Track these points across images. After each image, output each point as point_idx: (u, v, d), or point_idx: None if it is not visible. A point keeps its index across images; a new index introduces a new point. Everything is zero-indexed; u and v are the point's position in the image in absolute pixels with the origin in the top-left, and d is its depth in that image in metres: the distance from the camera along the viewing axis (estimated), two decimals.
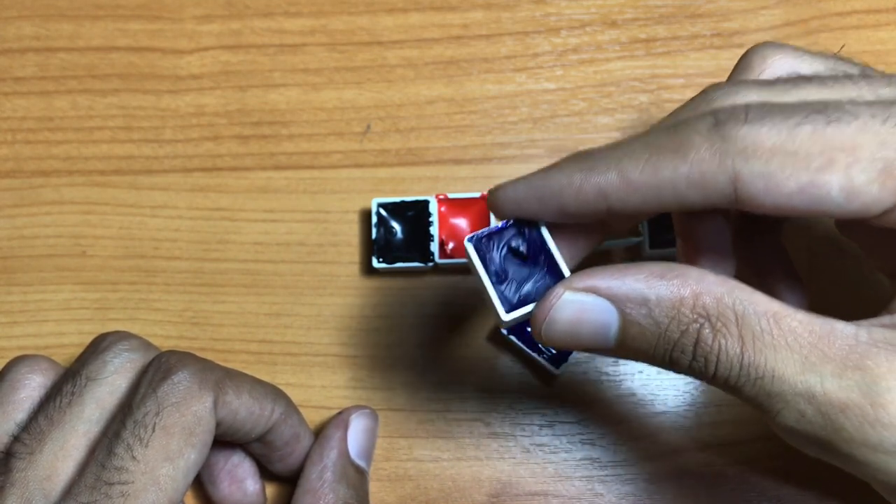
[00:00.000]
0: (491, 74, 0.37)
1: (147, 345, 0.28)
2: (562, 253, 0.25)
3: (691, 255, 0.27)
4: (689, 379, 0.33)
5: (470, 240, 0.25)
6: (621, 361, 0.33)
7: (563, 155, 0.24)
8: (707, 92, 0.23)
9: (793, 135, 0.21)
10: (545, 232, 0.25)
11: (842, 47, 0.35)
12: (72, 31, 0.38)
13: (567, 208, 0.23)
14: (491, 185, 0.34)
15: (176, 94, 0.37)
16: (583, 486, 0.32)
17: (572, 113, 0.36)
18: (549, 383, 0.33)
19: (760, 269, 0.29)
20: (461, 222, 0.34)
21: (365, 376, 0.34)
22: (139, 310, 0.35)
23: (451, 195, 0.33)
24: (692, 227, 0.27)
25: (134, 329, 0.32)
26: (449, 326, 0.34)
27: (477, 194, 0.33)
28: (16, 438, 0.26)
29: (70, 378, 0.27)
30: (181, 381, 0.26)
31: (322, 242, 0.35)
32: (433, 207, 0.33)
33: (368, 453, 0.31)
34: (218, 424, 0.26)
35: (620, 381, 0.33)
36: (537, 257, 0.25)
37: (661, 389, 0.33)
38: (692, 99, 0.24)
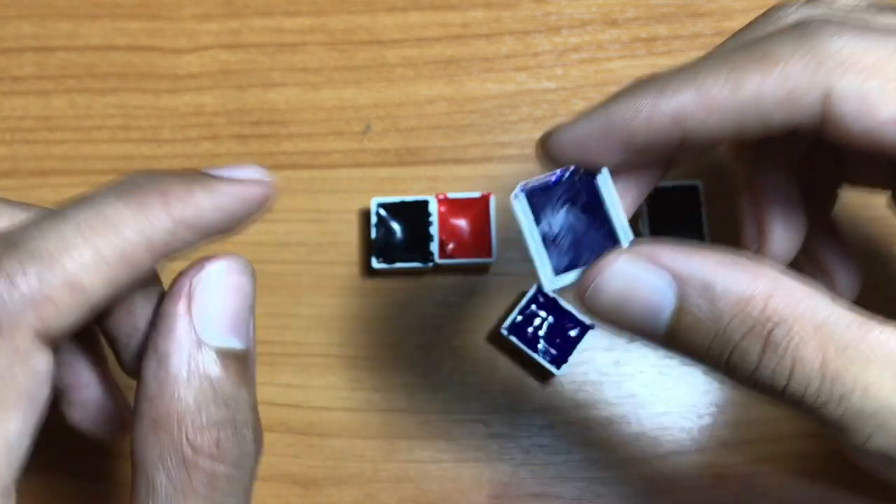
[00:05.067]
0: (491, 74, 0.37)
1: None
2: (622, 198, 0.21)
3: (759, 211, 0.24)
4: (688, 380, 0.33)
5: (521, 191, 0.21)
6: (622, 362, 0.33)
7: (632, 142, 0.20)
8: (772, 11, 0.21)
9: (893, 57, 0.18)
10: (608, 181, 0.21)
11: None
12: (70, 30, 0.38)
13: (636, 142, 0.20)
14: (491, 186, 0.34)
15: (175, 94, 0.37)
16: (583, 487, 0.32)
17: (573, 112, 0.36)
18: (549, 384, 0.33)
19: (809, 244, 0.25)
20: (461, 222, 0.34)
21: (365, 376, 0.33)
22: None
23: (450, 195, 0.33)
24: (761, 181, 0.24)
25: None
26: (449, 327, 0.34)
27: (477, 194, 0.33)
28: None
29: None
30: None
31: (322, 242, 0.35)
32: (433, 207, 0.33)
33: (237, 323, 0.20)
34: (60, 337, 0.18)
35: (621, 382, 0.33)
36: (594, 214, 0.21)
37: (661, 391, 0.33)
38: (754, 20, 0.21)
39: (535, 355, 0.32)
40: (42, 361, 0.18)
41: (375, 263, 0.33)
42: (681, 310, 0.19)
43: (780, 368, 0.19)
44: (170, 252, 0.20)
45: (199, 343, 0.19)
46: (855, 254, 0.26)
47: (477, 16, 0.37)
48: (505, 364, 0.33)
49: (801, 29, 0.19)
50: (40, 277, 0.17)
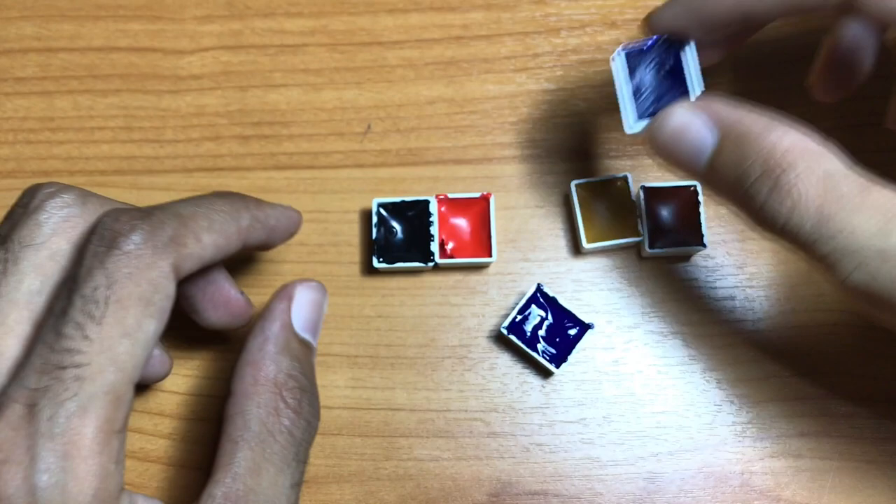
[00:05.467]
0: (491, 75, 0.37)
1: (83, 196, 0.25)
2: (707, 52, 0.28)
3: (832, 55, 0.29)
4: (687, 379, 0.33)
5: (621, 50, 0.27)
6: (620, 361, 0.33)
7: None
8: None
9: None
10: (692, 50, 0.27)
11: None
12: (73, 31, 0.38)
13: (710, 17, 0.27)
14: (491, 186, 0.35)
15: (177, 95, 0.37)
16: (582, 486, 0.32)
17: (572, 113, 0.36)
18: (548, 383, 0.33)
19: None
20: (461, 222, 0.34)
21: (365, 376, 0.34)
22: None
23: (451, 195, 0.34)
24: (841, 29, 0.28)
25: None
26: (449, 326, 0.34)
27: (477, 194, 0.33)
28: None
29: (1, 245, 0.24)
30: (132, 250, 0.22)
31: (322, 242, 0.35)
32: (433, 207, 0.33)
33: (314, 327, 0.29)
34: (183, 274, 0.24)
35: (620, 380, 0.33)
36: (676, 78, 0.28)
37: (660, 390, 0.33)
38: None
39: (534, 354, 0.32)
40: (172, 287, 0.24)
41: (376, 263, 0.33)
42: (719, 148, 0.25)
43: (781, 208, 0.23)
44: (247, 240, 0.27)
45: (293, 330, 0.27)
46: None
47: (477, 17, 0.37)
48: (505, 363, 0.34)
49: None
50: (177, 229, 0.24)
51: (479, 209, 0.34)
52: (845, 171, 0.23)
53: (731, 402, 0.33)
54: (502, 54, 0.37)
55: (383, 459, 0.33)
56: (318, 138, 0.36)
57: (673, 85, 0.28)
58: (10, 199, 0.36)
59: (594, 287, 0.34)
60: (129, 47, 0.38)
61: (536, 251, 0.34)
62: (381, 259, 0.33)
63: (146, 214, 0.24)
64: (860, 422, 0.32)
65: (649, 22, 0.28)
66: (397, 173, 0.36)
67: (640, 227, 0.33)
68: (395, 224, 0.33)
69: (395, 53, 0.37)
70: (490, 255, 0.33)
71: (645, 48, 0.27)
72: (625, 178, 0.33)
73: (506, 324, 0.32)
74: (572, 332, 0.32)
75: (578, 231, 0.33)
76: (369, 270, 0.34)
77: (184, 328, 0.31)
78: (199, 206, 0.25)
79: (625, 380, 0.33)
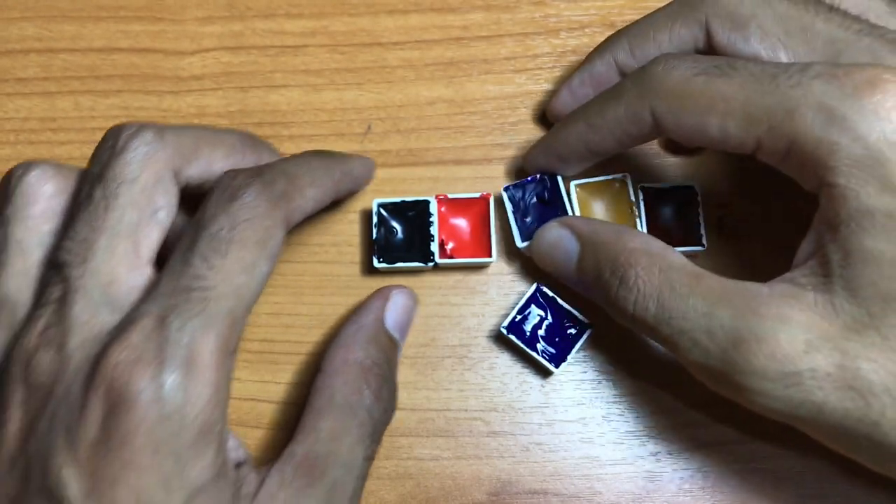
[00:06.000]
0: (491, 75, 0.37)
1: (160, 132, 0.27)
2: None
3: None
4: (686, 379, 0.33)
5: (506, 189, 0.33)
6: (621, 360, 0.33)
7: (563, 156, 0.30)
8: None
9: (691, 82, 0.27)
10: (560, 184, 0.33)
11: None
12: (74, 32, 0.38)
13: (564, 156, 0.32)
14: (491, 187, 0.35)
15: (178, 95, 0.37)
16: (581, 485, 0.32)
17: None
18: (548, 382, 0.33)
19: None
20: (461, 223, 0.34)
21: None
22: None
23: (450, 195, 0.34)
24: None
25: None
26: (449, 326, 0.34)
27: (476, 194, 0.34)
28: (58, 248, 0.25)
29: (98, 182, 0.26)
30: (250, 201, 0.25)
31: (323, 242, 0.35)
32: (433, 207, 0.33)
33: (403, 328, 0.32)
34: (291, 225, 0.27)
35: (619, 380, 0.33)
36: (556, 203, 0.33)
37: (659, 389, 0.33)
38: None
39: (534, 354, 0.32)
40: (282, 236, 0.26)
41: (377, 263, 0.33)
42: (581, 255, 0.30)
43: (628, 297, 0.28)
44: (338, 191, 0.30)
45: (384, 325, 0.31)
46: None
47: (477, 18, 0.38)
48: (504, 362, 0.34)
49: (641, 70, 0.29)
50: (286, 185, 0.27)
51: (479, 209, 0.34)
52: (680, 264, 0.27)
53: (730, 402, 0.33)
54: (502, 55, 0.37)
55: (383, 458, 0.33)
56: (319, 139, 0.36)
57: (555, 206, 0.33)
58: None
59: None
60: (130, 48, 0.38)
61: None
62: (381, 259, 0.33)
63: (259, 172, 0.27)
64: None
65: (524, 164, 0.34)
66: (397, 174, 0.36)
67: (639, 228, 0.33)
68: (395, 224, 0.34)
69: (396, 54, 0.37)
70: (490, 255, 0.33)
71: (526, 182, 0.33)
72: (624, 179, 0.34)
73: (505, 323, 0.32)
74: (572, 331, 0.33)
75: None
76: (369, 270, 0.34)
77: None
78: (301, 166, 0.29)
79: (624, 379, 0.33)
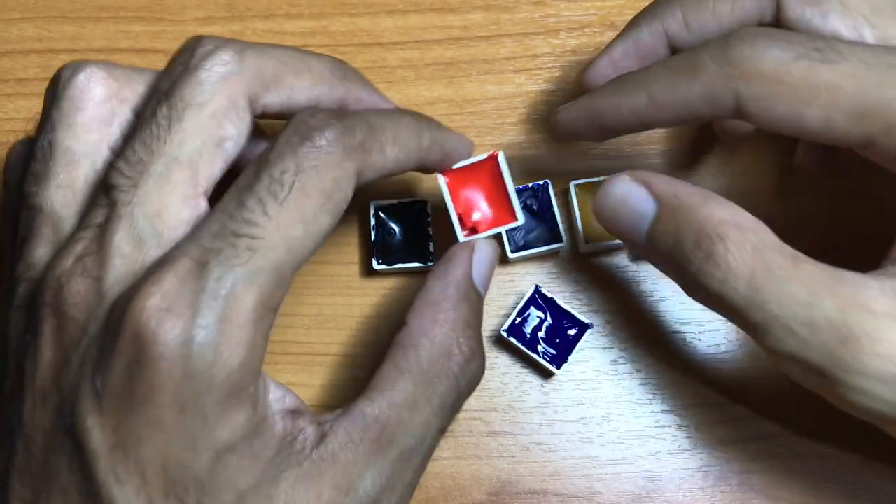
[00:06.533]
0: (490, 76, 0.37)
1: (241, 52, 0.25)
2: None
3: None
4: (685, 379, 0.33)
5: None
6: (620, 360, 0.33)
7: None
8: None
9: (789, 66, 0.24)
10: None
11: None
12: (74, 32, 0.38)
13: (608, 125, 0.28)
14: None
15: None
16: (581, 485, 0.32)
17: None
18: (548, 382, 0.33)
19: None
20: (476, 192, 0.31)
21: (365, 376, 0.33)
22: None
23: (454, 166, 0.30)
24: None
25: None
26: None
27: (483, 156, 0.30)
28: (111, 166, 0.24)
29: (164, 101, 0.24)
30: (324, 146, 0.23)
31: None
32: (443, 187, 0.30)
33: (486, 282, 0.29)
34: (364, 180, 0.25)
35: (619, 380, 0.33)
36: (544, 216, 0.33)
37: (659, 388, 0.33)
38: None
39: (534, 355, 0.32)
40: (351, 190, 0.24)
41: (376, 265, 0.33)
42: (657, 219, 0.26)
43: (715, 274, 0.24)
44: (425, 159, 0.28)
45: (472, 280, 0.28)
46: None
47: (476, 18, 0.38)
48: (504, 362, 0.34)
49: (724, 43, 0.25)
50: (366, 136, 0.25)
51: (488, 171, 0.30)
52: (775, 244, 0.24)
53: (730, 401, 0.33)
54: (502, 55, 0.37)
55: None
56: None
57: (543, 218, 0.33)
58: None
59: (593, 287, 0.34)
60: (130, 48, 0.38)
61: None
62: (380, 261, 0.33)
63: (340, 116, 0.24)
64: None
65: (552, 125, 0.30)
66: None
67: None
68: (393, 225, 0.33)
69: (395, 54, 0.37)
70: (516, 219, 0.30)
71: (517, 191, 0.30)
72: None
73: (505, 326, 0.32)
74: (572, 332, 0.33)
75: (577, 231, 0.33)
76: (369, 271, 0.34)
77: None
78: (388, 120, 0.26)
79: (624, 379, 0.33)
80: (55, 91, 0.26)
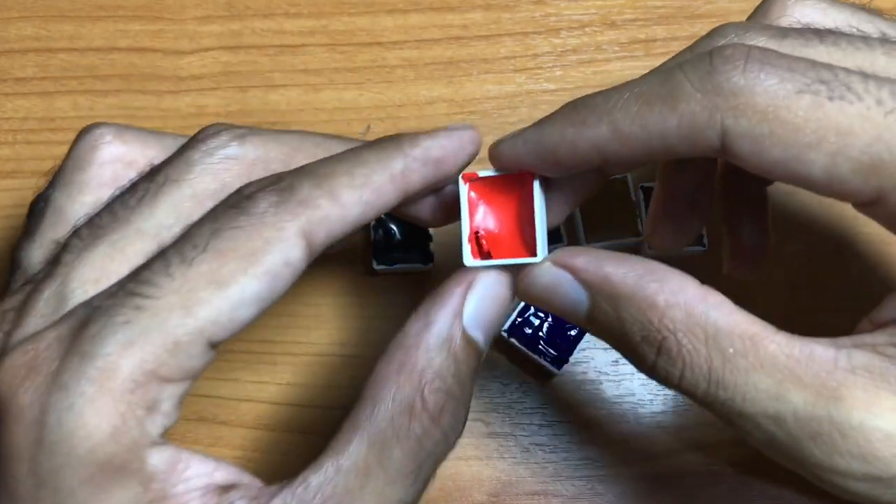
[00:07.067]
0: (491, 75, 0.37)
1: (242, 137, 0.24)
2: (559, 201, 0.25)
3: (667, 204, 0.27)
4: None
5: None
6: (621, 360, 0.33)
7: (559, 160, 0.22)
8: (719, 29, 0.23)
9: (789, 101, 0.20)
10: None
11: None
12: (72, 31, 0.38)
13: (563, 162, 0.23)
14: None
15: (177, 95, 0.37)
16: (582, 486, 0.32)
17: None
18: (548, 383, 0.33)
19: (734, 207, 0.29)
20: (498, 212, 0.25)
21: (365, 376, 0.34)
22: None
23: (481, 173, 0.24)
24: (675, 178, 0.27)
25: None
26: None
27: (517, 172, 0.24)
28: (75, 228, 0.23)
29: (151, 174, 0.23)
30: (251, 209, 0.21)
31: None
32: (462, 191, 0.25)
33: (489, 326, 0.24)
34: (320, 241, 0.22)
35: (620, 380, 0.33)
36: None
37: (660, 389, 0.33)
38: (706, 35, 0.23)
39: (535, 356, 0.32)
40: (295, 253, 0.21)
41: (376, 265, 0.33)
42: (593, 308, 0.22)
43: (673, 371, 0.21)
44: (407, 187, 0.23)
45: (461, 323, 0.23)
46: (768, 227, 0.29)
47: (476, 17, 0.38)
48: (504, 363, 0.34)
49: (711, 62, 0.20)
50: (310, 190, 0.22)
51: (518, 191, 0.25)
52: (729, 323, 0.21)
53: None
54: (502, 54, 0.37)
55: None
56: None
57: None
58: (10, 199, 0.36)
59: None
60: (128, 48, 0.38)
61: None
62: (380, 261, 0.33)
63: (278, 178, 0.22)
64: None
65: (491, 156, 0.24)
66: None
67: (639, 227, 0.33)
68: (392, 226, 0.33)
69: (395, 54, 0.37)
70: (535, 255, 0.24)
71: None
72: (624, 179, 0.33)
73: (506, 327, 0.32)
74: (572, 332, 0.32)
75: (578, 231, 0.33)
76: (369, 271, 0.34)
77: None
78: (340, 163, 0.23)
79: (624, 380, 0.33)
80: (71, 146, 0.25)
